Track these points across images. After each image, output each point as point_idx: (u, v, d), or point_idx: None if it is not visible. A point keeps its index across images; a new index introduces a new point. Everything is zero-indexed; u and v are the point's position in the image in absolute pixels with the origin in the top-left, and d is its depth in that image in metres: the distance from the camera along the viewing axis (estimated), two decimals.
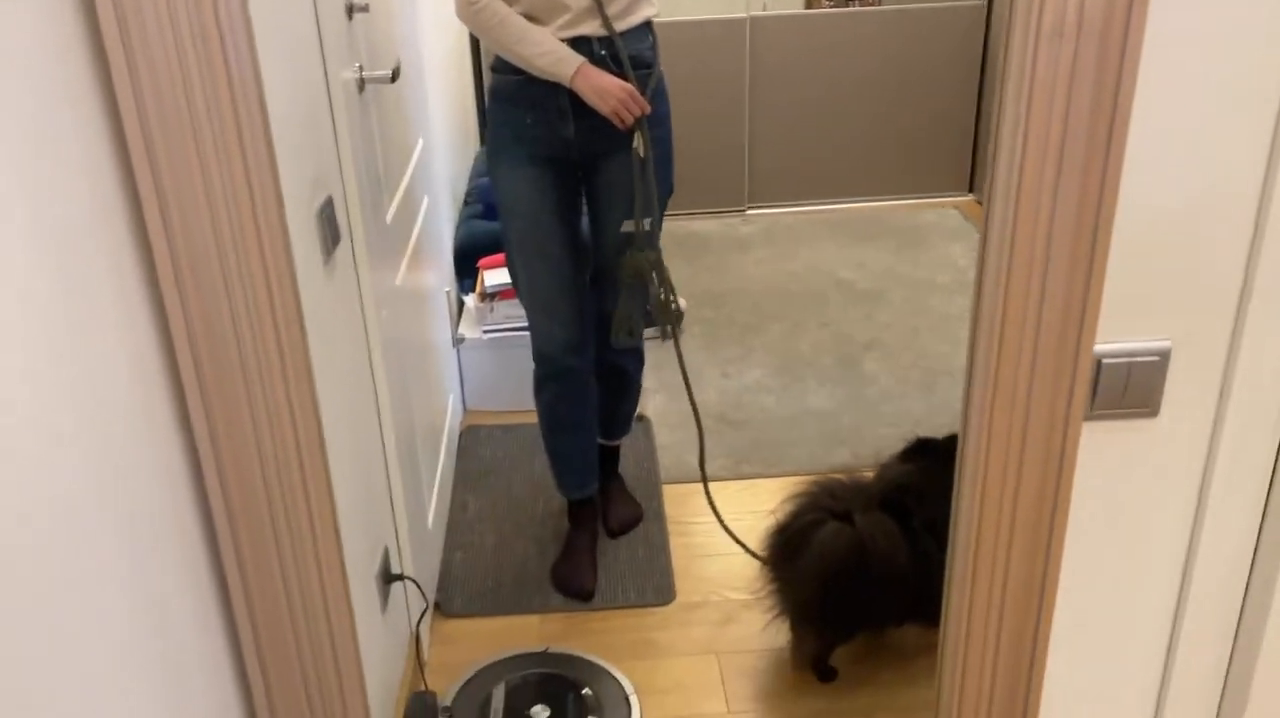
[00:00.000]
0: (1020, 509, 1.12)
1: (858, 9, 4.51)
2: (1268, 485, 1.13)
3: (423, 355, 2.35)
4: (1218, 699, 1.25)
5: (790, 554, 1.97)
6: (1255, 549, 1.17)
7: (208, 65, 1.01)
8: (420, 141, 2.46)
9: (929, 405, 2.97)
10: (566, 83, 1.94)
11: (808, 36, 4.22)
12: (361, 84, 1.78)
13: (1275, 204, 1.00)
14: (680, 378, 2.29)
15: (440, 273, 2.80)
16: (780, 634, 2.11)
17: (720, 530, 2.42)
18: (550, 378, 2.25)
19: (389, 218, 2.01)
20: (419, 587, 1.97)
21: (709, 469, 2.69)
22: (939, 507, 1.94)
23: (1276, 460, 1.12)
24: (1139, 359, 1.07)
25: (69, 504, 0.93)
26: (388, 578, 1.84)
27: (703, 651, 2.13)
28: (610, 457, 2.54)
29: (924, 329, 3.39)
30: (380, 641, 1.77)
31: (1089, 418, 1.09)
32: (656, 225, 2.13)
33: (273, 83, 1.30)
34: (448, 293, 2.87)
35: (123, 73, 0.99)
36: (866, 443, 2.81)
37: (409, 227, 2.26)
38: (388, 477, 1.91)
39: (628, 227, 2.10)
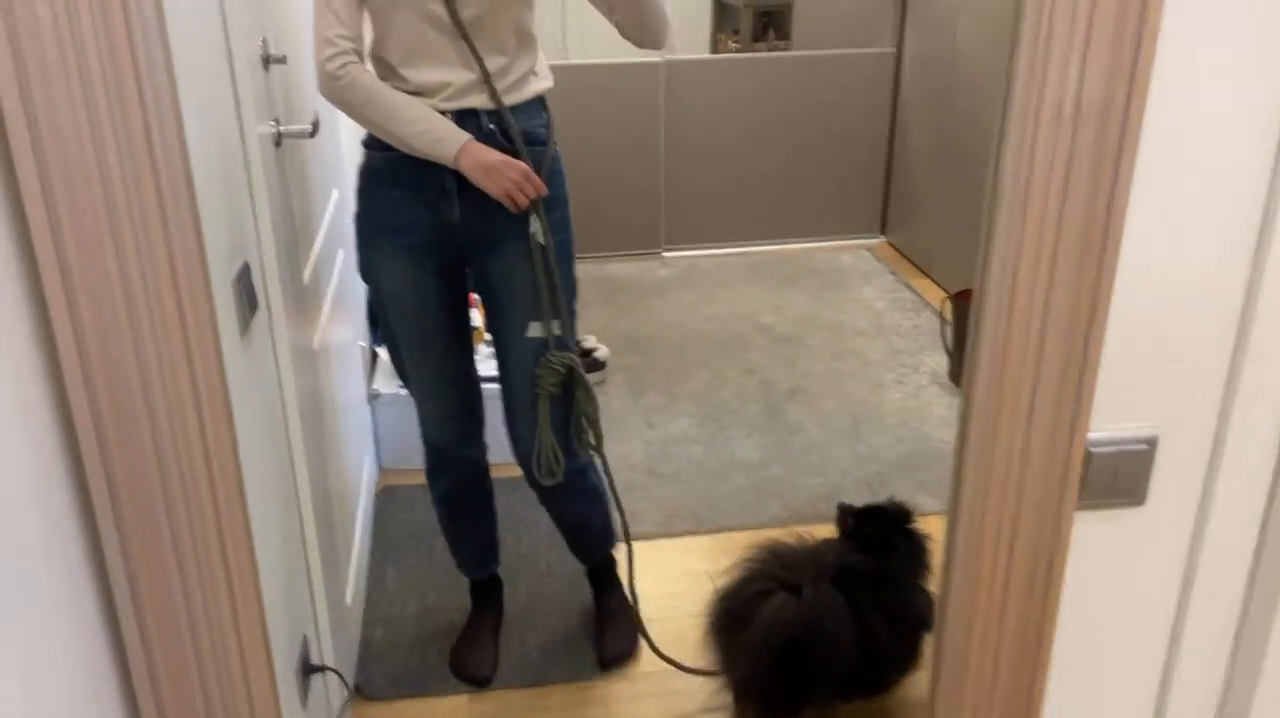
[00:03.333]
0: (1011, 598, 1.07)
1: (769, 55, 4.55)
2: (1250, 572, 1.11)
3: (337, 416, 2.21)
4: None
5: (735, 624, 1.89)
6: (1237, 634, 1.14)
7: (123, 122, 0.88)
8: (335, 193, 2.33)
9: (855, 454, 2.95)
10: (450, 163, 1.73)
11: (722, 80, 4.21)
12: (279, 139, 1.65)
13: (1263, 293, 0.98)
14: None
15: (354, 325, 2.66)
16: (724, 706, 2.03)
17: (657, 596, 2.33)
18: (442, 467, 2.08)
19: (305, 277, 1.88)
20: (340, 676, 1.82)
21: (641, 528, 2.61)
22: (892, 586, 1.91)
23: (1259, 546, 1.09)
24: (1128, 448, 1.03)
25: None
26: (307, 670, 1.70)
27: None
28: (598, 574, 2.27)
29: (846, 374, 3.38)
30: None
31: (1079, 508, 1.05)
32: (569, 329, 1.90)
33: (191, 139, 1.18)
34: (361, 346, 2.73)
35: (18, 119, 0.86)
36: (797, 495, 2.76)
37: (325, 283, 2.13)
38: (305, 556, 1.77)
39: (535, 331, 1.86)
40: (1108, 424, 1.03)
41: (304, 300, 1.85)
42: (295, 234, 1.81)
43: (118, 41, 0.85)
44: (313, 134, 1.73)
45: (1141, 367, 1.01)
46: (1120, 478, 1.04)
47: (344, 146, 2.63)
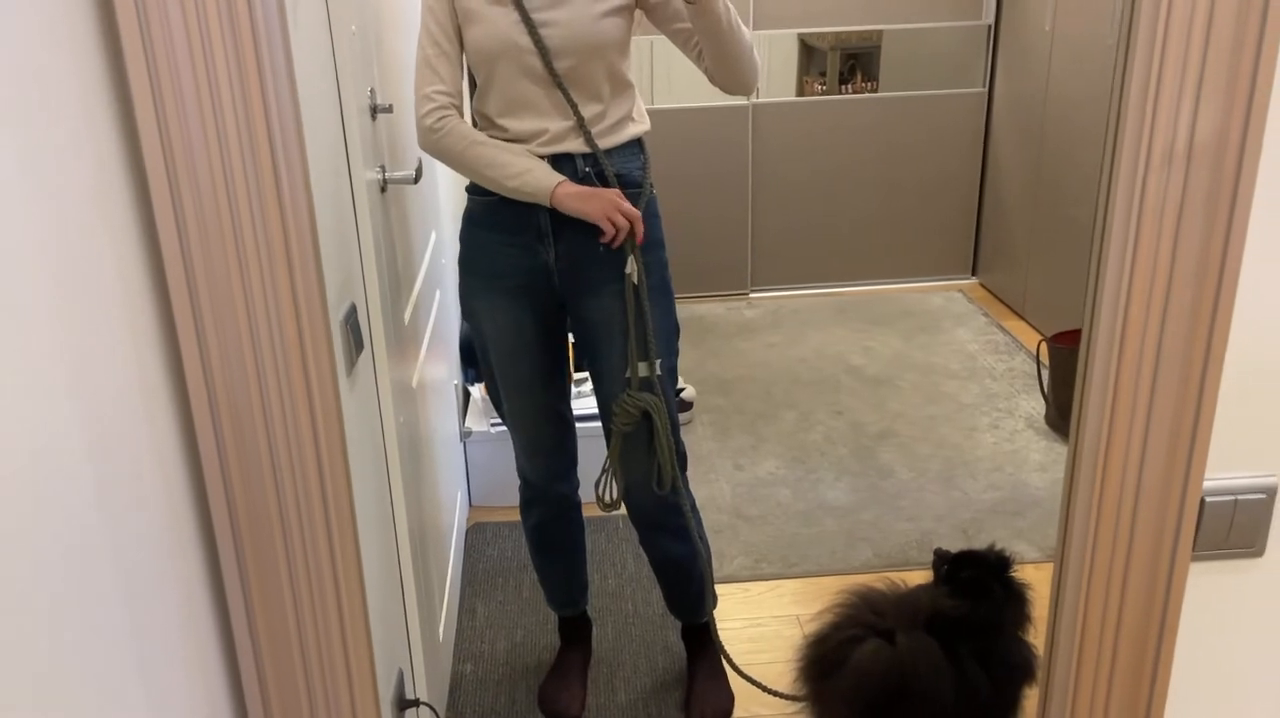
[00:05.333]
0: (1121, 651, 1.03)
1: (855, 96, 4.54)
2: None
3: (433, 453, 2.25)
4: None
5: (825, 670, 1.86)
6: None
7: (255, 179, 0.93)
8: (433, 236, 2.40)
9: (949, 500, 2.89)
10: (545, 201, 1.76)
11: (808, 122, 4.23)
12: (384, 185, 1.71)
13: None
14: (702, 484, 2.19)
15: (449, 364, 2.72)
16: None
17: (744, 639, 2.31)
18: (535, 502, 2.11)
19: (407, 318, 1.93)
20: (434, 710, 1.85)
21: (729, 569, 2.59)
22: (989, 634, 1.86)
23: None
24: (1245, 497, 1.00)
25: (98, 654, 0.83)
26: (403, 704, 1.72)
27: None
28: (692, 634, 2.23)
29: (939, 418, 3.32)
30: None
31: (1193, 558, 1.01)
32: (667, 369, 1.91)
33: (315, 186, 1.23)
34: (455, 385, 2.78)
35: (159, 172, 0.91)
36: (889, 540, 2.72)
37: (424, 323, 2.18)
38: (402, 591, 1.81)
39: (642, 370, 1.87)
40: (1224, 472, 0.99)
41: (404, 340, 1.90)
42: (398, 276, 1.87)
43: (251, 95, 0.89)
44: (416, 180, 1.79)
45: (1259, 413, 0.97)
46: (1236, 528, 1.01)
47: (441, 191, 2.71)
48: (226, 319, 0.95)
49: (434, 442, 2.26)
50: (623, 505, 2.03)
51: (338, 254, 1.42)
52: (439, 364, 2.43)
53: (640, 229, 1.80)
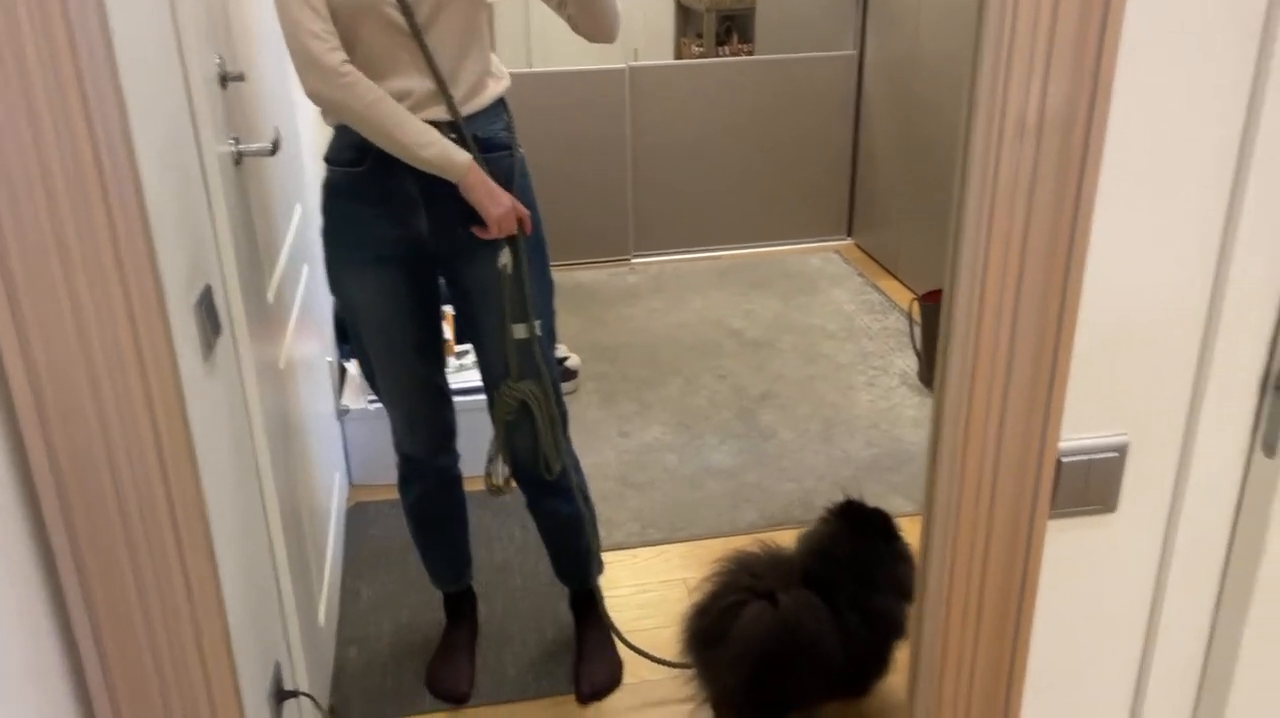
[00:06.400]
0: (987, 604, 1.06)
1: (732, 59, 4.55)
2: (1221, 576, 1.11)
3: (307, 435, 2.18)
4: None
5: (712, 639, 1.88)
6: (1210, 638, 1.15)
7: (72, 157, 0.86)
8: (298, 208, 2.30)
9: (829, 459, 2.95)
10: (458, 179, 1.72)
11: (686, 85, 4.22)
12: (239, 158, 1.63)
13: (1227, 300, 0.99)
14: (584, 452, 2.18)
15: (322, 341, 2.63)
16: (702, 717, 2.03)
17: (633, 606, 2.32)
18: (415, 476, 2.07)
19: (270, 296, 1.85)
20: (315, 701, 1.80)
21: (617, 536, 2.60)
22: (863, 578, 1.91)
23: (1229, 550, 1.10)
24: (1098, 456, 1.04)
25: None
26: (281, 696, 1.67)
27: None
28: (580, 603, 2.23)
29: (818, 378, 3.39)
30: None
31: (1051, 516, 1.05)
32: (546, 331, 1.91)
33: (143, 162, 1.15)
34: (329, 362, 2.70)
35: None
36: (772, 501, 2.76)
37: (290, 301, 2.10)
38: (276, 579, 1.75)
39: (520, 332, 1.86)
40: (1078, 432, 1.03)
41: (269, 319, 1.82)
42: (258, 253, 1.78)
43: (63, 70, 0.83)
44: (273, 152, 1.71)
45: (1110, 375, 1.01)
46: (1091, 485, 1.05)
47: (306, 162, 2.60)
48: (51, 315, 0.89)
49: (307, 422, 2.19)
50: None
51: (186, 233, 1.34)
52: (310, 342, 2.35)
53: (529, 226, 1.80)
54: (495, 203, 1.74)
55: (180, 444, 0.95)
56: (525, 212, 1.79)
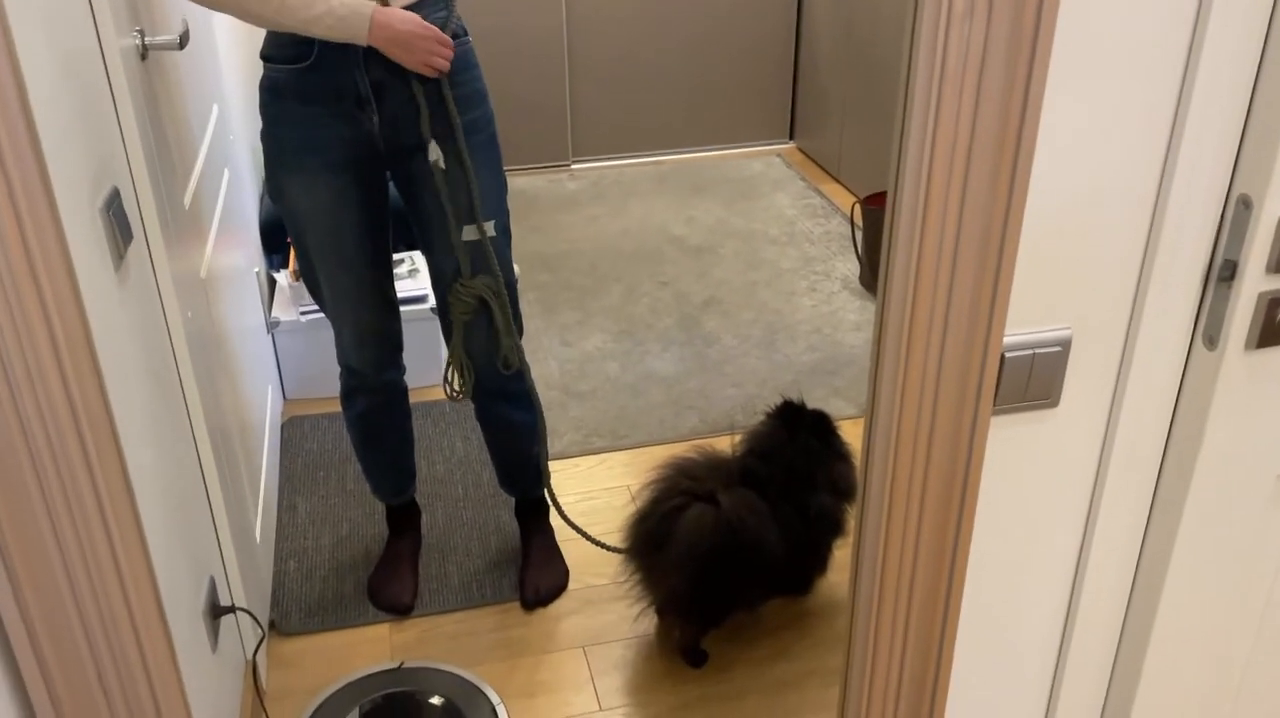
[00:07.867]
0: (929, 500, 1.06)
1: None
2: (1158, 472, 1.12)
3: (235, 348, 2.11)
4: (1109, 672, 1.25)
5: (655, 544, 1.88)
6: (1145, 533, 1.16)
7: None
8: (215, 109, 2.18)
9: (771, 364, 2.95)
10: (361, 41, 1.59)
11: None
12: (144, 52, 1.52)
13: (1173, 192, 0.96)
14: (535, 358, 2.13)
15: (248, 251, 2.53)
16: (647, 621, 2.04)
17: (577, 513, 2.31)
18: (360, 390, 2.01)
19: (187, 201, 1.76)
20: (252, 616, 1.77)
21: (560, 445, 2.58)
22: (802, 477, 1.91)
23: (1167, 446, 1.10)
24: (1041, 350, 1.02)
25: None
26: (216, 612, 1.64)
27: (568, 646, 2.03)
28: (526, 511, 2.21)
29: (760, 284, 3.37)
30: (213, 681, 1.58)
31: (994, 411, 1.04)
32: (501, 229, 1.83)
33: (30, 57, 1.06)
34: (257, 273, 2.60)
35: None
36: (715, 407, 2.76)
37: (210, 207, 2.00)
38: (207, 495, 1.70)
39: (470, 234, 1.79)
40: (1022, 328, 1.01)
41: (186, 226, 1.73)
42: (171, 155, 1.69)
43: None
44: (181, 45, 1.60)
45: (1054, 268, 0.99)
46: (1034, 380, 1.04)
47: (224, 60, 2.47)
48: None
49: (235, 334, 2.11)
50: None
51: (86, 132, 1.25)
52: (234, 251, 2.26)
53: (450, 51, 1.67)
54: (410, 52, 1.62)
55: (82, 354, 0.89)
56: (445, 36, 1.66)
